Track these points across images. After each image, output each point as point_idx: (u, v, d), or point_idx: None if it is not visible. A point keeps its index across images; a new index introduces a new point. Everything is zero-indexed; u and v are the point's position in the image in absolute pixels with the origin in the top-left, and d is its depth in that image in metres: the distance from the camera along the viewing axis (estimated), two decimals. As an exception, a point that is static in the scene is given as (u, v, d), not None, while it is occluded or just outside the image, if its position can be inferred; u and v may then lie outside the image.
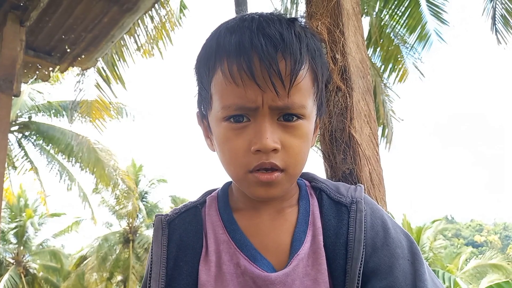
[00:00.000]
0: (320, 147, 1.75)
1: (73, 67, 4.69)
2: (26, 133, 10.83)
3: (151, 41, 5.15)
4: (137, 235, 17.89)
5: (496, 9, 5.21)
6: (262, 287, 0.66)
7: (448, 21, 5.55)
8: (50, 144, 10.51)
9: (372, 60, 5.53)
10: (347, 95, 1.69)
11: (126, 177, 11.37)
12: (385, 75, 5.67)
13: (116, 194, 11.61)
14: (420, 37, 5.61)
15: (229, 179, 0.77)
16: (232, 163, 0.68)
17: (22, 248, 17.30)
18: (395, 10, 5.49)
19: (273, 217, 0.73)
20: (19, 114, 11.16)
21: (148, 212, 18.80)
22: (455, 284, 8.35)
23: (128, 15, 4.00)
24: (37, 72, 4.59)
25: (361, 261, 0.66)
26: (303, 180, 0.79)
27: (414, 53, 5.64)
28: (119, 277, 17.60)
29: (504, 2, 5.16)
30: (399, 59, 5.62)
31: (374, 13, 5.41)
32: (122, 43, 5.03)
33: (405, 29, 5.57)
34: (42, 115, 11.29)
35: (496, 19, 5.24)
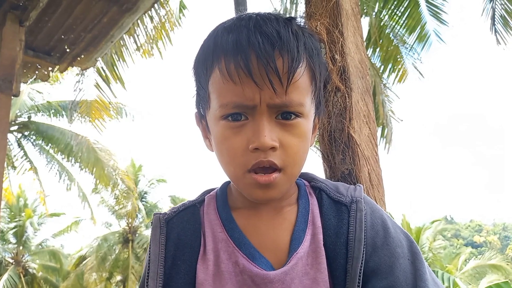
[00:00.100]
0: (319, 148, 1.75)
1: (72, 67, 4.68)
2: (26, 133, 10.83)
3: (151, 41, 5.15)
4: (137, 235, 17.86)
5: (496, 9, 5.22)
6: (260, 286, 0.66)
7: (448, 21, 5.56)
8: (50, 144, 10.50)
9: (372, 60, 5.53)
10: (346, 95, 1.68)
11: (126, 177, 11.35)
12: (385, 75, 5.68)
13: (115, 194, 11.60)
14: (420, 37, 5.62)
15: (228, 179, 0.76)
16: (230, 162, 0.68)
17: (21, 248, 17.28)
18: (395, 10, 5.49)
19: (272, 216, 0.72)
20: (19, 114, 11.16)
21: (147, 212, 18.77)
22: (454, 284, 8.33)
23: (128, 15, 4.00)
24: (37, 72, 4.58)
25: (362, 260, 0.66)
26: (302, 180, 0.79)
27: (414, 53, 5.65)
28: (119, 277, 17.59)
29: (503, 3, 5.17)
30: (399, 59, 5.62)
31: (374, 13, 5.41)
32: (122, 43, 5.02)
33: (405, 30, 5.58)
34: (42, 115, 11.30)
35: (495, 19, 5.25)
